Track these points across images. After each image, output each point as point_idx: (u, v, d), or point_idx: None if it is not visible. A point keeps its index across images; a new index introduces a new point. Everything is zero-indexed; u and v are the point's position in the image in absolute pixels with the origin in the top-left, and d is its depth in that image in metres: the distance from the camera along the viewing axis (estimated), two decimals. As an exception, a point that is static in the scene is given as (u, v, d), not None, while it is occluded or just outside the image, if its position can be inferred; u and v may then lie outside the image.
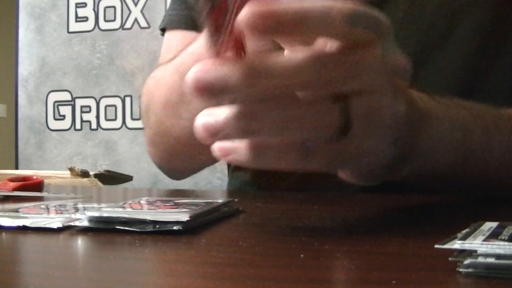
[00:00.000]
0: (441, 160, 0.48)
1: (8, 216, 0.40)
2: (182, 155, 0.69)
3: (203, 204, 0.44)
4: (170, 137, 0.65)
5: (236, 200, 0.49)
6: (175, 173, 0.77)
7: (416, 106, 0.44)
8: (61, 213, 0.43)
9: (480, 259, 0.25)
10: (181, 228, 0.36)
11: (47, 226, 0.38)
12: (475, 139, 0.51)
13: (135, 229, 0.37)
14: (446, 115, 0.48)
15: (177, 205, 0.43)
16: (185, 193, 0.74)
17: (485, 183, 0.56)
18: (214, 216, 0.43)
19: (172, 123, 0.64)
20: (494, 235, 0.28)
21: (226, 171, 0.85)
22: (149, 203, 0.45)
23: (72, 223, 0.38)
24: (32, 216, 0.41)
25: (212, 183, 1.77)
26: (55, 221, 0.38)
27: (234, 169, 0.79)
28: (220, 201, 0.46)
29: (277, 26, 0.34)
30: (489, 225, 0.31)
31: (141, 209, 0.41)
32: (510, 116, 0.57)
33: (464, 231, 0.30)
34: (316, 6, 0.35)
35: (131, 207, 0.42)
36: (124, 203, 0.44)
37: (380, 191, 0.65)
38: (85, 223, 0.38)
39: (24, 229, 0.38)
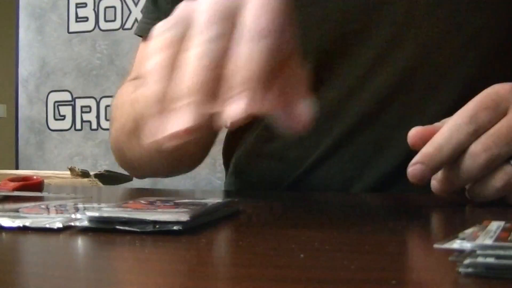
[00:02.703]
0: None
1: (9, 216, 0.40)
2: (138, 170, 0.74)
3: (203, 204, 0.44)
4: (125, 157, 0.72)
5: (236, 200, 0.49)
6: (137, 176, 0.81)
7: None
8: (61, 213, 0.43)
9: (480, 259, 0.25)
10: (181, 228, 0.36)
11: (47, 226, 0.38)
12: None
13: (135, 229, 0.37)
14: None
15: (177, 205, 0.43)
16: (185, 193, 0.74)
17: None
18: (214, 216, 0.43)
19: (127, 147, 0.69)
20: (502, 238, 0.28)
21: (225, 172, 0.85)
22: (149, 203, 0.45)
23: (72, 223, 0.38)
24: (32, 216, 0.41)
25: (212, 183, 1.76)
26: (56, 221, 0.38)
27: (232, 173, 0.80)
28: (220, 201, 0.46)
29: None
30: (497, 225, 0.31)
31: (141, 209, 0.41)
32: None
33: (467, 231, 0.30)
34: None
35: (131, 207, 0.42)
36: (124, 203, 0.44)
37: (380, 191, 0.65)
38: (85, 223, 0.38)
39: (24, 229, 0.38)
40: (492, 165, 0.49)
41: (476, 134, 0.49)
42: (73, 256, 0.33)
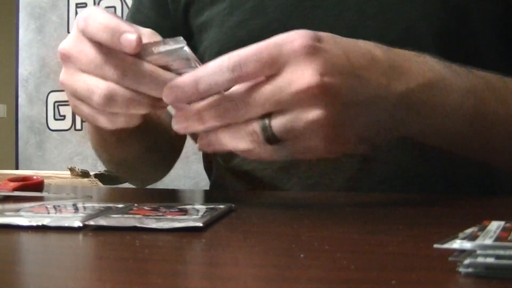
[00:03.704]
0: (453, 123, 0.54)
1: (24, 216, 0.40)
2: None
3: (207, 210, 0.44)
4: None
5: (236, 201, 0.49)
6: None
7: (411, 74, 0.51)
8: (75, 212, 0.43)
9: (480, 259, 0.25)
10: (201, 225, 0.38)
11: (67, 225, 0.38)
12: (488, 105, 0.55)
13: (154, 227, 0.37)
14: (457, 83, 0.53)
15: (184, 212, 0.43)
16: (185, 193, 0.75)
17: (495, 150, 0.59)
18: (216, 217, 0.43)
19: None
20: (502, 238, 0.28)
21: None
22: (154, 209, 0.45)
23: (93, 222, 0.39)
24: (47, 216, 0.41)
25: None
26: (75, 220, 0.39)
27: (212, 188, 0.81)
28: (222, 206, 0.46)
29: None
30: (497, 225, 0.31)
31: (149, 215, 0.41)
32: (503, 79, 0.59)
33: (467, 231, 0.30)
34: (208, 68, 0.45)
35: (138, 213, 0.42)
36: (129, 209, 0.44)
37: (381, 191, 0.65)
38: (103, 223, 0.38)
39: (24, 229, 0.38)
40: (239, 118, 0.46)
41: (236, 81, 0.46)
42: (73, 256, 0.33)
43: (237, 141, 0.47)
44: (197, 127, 0.47)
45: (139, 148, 0.70)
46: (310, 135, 0.46)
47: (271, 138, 0.46)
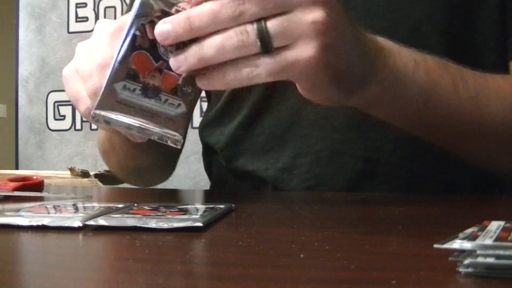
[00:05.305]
0: (405, 96, 0.55)
1: (24, 216, 0.40)
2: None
3: (207, 210, 0.44)
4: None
5: (236, 201, 0.49)
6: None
7: (370, 39, 0.53)
8: (75, 212, 0.43)
9: (480, 259, 0.25)
10: (201, 224, 0.38)
11: (67, 225, 0.38)
12: (441, 85, 0.56)
13: (154, 227, 0.37)
14: (410, 56, 0.55)
15: (184, 212, 0.43)
16: (185, 193, 0.75)
17: (453, 134, 0.59)
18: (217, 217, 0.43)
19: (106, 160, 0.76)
20: (502, 238, 0.28)
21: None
22: (154, 209, 0.45)
23: (93, 222, 0.38)
24: (46, 216, 0.41)
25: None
26: (75, 220, 0.39)
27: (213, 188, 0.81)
28: (222, 206, 0.46)
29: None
30: (497, 225, 0.31)
31: (149, 215, 0.41)
32: (475, 73, 0.59)
33: (467, 231, 0.30)
34: None
35: (138, 213, 0.42)
36: (129, 209, 0.44)
37: (381, 191, 0.65)
38: (103, 223, 0.38)
39: (24, 229, 0.38)
40: (236, 21, 0.44)
41: None
42: (73, 256, 0.33)
43: (225, 42, 0.44)
44: (189, 33, 0.44)
45: (147, 155, 0.70)
46: (306, 39, 0.45)
47: (265, 39, 0.44)
